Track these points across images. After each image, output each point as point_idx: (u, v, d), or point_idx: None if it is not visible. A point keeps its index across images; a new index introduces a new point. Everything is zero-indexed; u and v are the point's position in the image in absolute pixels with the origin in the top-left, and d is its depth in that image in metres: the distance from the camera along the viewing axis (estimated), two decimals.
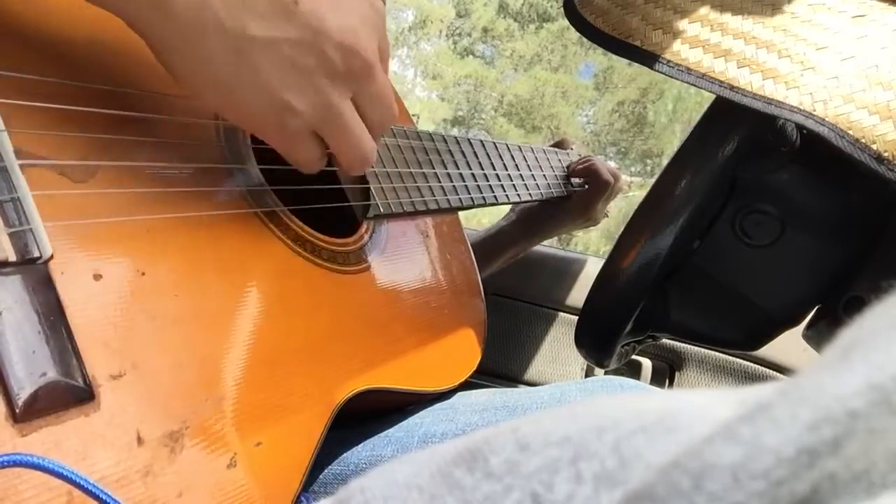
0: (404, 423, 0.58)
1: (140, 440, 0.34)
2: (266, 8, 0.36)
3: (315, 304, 0.48)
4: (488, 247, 0.93)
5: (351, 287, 0.52)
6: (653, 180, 0.56)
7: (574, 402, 0.49)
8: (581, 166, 0.94)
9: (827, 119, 0.43)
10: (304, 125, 0.40)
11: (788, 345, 0.67)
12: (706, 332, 0.63)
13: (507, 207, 0.96)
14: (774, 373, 1.05)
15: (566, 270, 1.14)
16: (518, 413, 0.56)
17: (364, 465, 0.55)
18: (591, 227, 1.02)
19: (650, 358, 1.11)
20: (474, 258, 0.71)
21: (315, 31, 0.38)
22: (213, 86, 0.37)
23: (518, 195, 0.80)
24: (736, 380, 1.08)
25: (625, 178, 0.97)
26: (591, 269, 1.12)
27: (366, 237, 0.57)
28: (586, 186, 0.94)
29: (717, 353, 1.08)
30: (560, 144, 0.99)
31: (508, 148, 0.82)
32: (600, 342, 0.59)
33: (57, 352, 0.32)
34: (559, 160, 0.94)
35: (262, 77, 0.37)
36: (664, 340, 1.01)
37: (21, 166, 0.34)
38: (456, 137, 0.73)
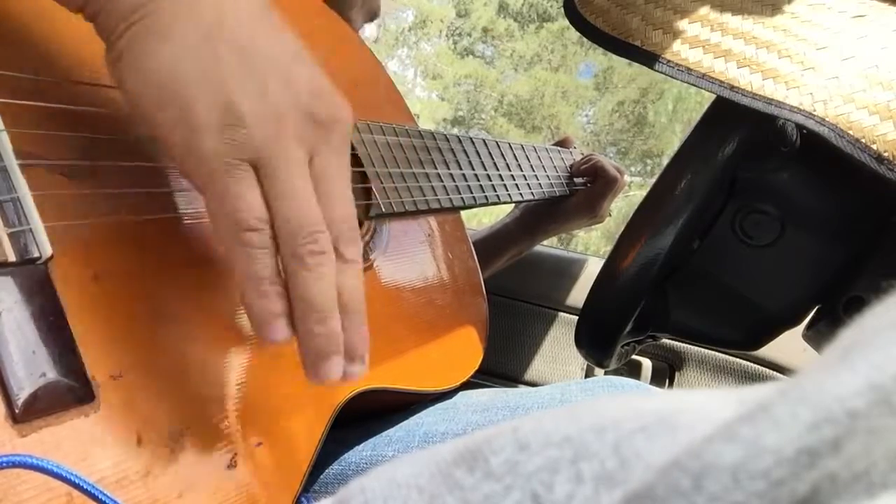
0: (405, 422, 0.58)
1: (140, 440, 0.34)
2: (250, 15, 0.34)
3: None
4: (491, 245, 0.93)
5: None
6: (653, 180, 0.56)
7: (574, 402, 0.49)
8: (585, 165, 0.93)
9: (827, 119, 0.43)
10: (246, 143, 0.32)
11: (788, 345, 0.67)
12: (706, 332, 0.63)
13: (509, 206, 0.96)
14: (774, 373, 1.05)
15: (566, 270, 1.14)
16: (518, 413, 0.56)
17: (365, 465, 0.55)
18: (593, 227, 1.02)
19: (650, 358, 1.11)
20: (476, 257, 0.71)
21: (290, 59, 0.35)
22: (164, 73, 0.32)
23: (520, 194, 0.80)
24: (736, 380, 1.08)
25: (625, 178, 0.98)
26: (591, 269, 1.12)
27: (367, 237, 0.57)
28: (589, 185, 0.94)
29: (717, 353, 1.08)
30: (562, 143, 0.99)
31: (511, 147, 0.82)
32: (600, 342, 0.59)
33: (57, 352, 0.32)
34: (562, 159, 0.94)
35: (219, 73, 0.32)
36: (664, 340, 1.01)
37: (21, 166, 0.34)
38: (458, 136, 0.73)
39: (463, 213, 0.73)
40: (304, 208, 0.33)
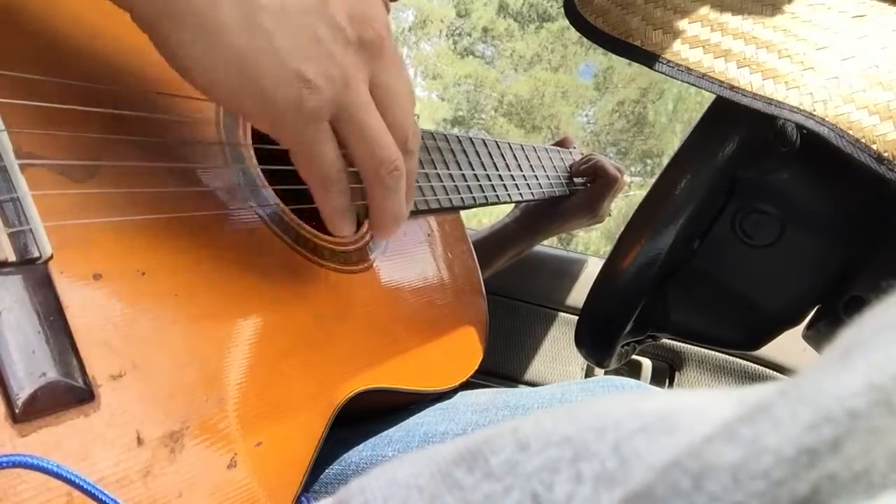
0: (405, 422, 0.58)
1: (140, 440, 0.34)
2: None
3: (315, 304, 0.48)
4: (491, 245, 0.93)
5: (352, 286, 0.52)
6: (653, 180, 0.56)
7: (574, 402, 0.49)
8: (585, 165, 0.93)
9: (827, 119, 0.43)
10: (323, 103, 0.36)
11: (788, 345, 0.67)
12: (706, 332, 0.63)
13: (509, 206, 0.96)
14: (774, 373, 1.06)
15: (566, 270, 1.14)
16: (518, 413, 0.56)
17: (365, 465, 0.55)
18: (593, 227, 1.02)
19: (650, 358, 1.11)
20: (476, 257, 0.71)
21: (327, 2, 0.36)
22: (223, 60, 0.34)
23: (520, 194, 0.80)
24: (736, 380, 1.08)
25: (625, 178, 0.97)
26: (591, 269, 1.12)
27: (367, 236, 0.57)
28: (589, 185, 0.94)
29: (717, 353, 1.08)
30: (562, 143, 0.99)
31: (510, 147, 0.82)
32: (600, 342, 0.59)
33: (57, 352, 0.32)
34: (561, 159, 0.94)
35: (275, 45, 0.35)
36: (664, 340, 1.01)
37: (21, 166, 0.34)
38: (458, 136, 0.73)
39: (463, 212, 0.73)
40: (381, 145, 0.39)
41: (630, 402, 0.16)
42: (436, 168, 0.66)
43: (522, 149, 0.85)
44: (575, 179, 0.94)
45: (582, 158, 0.95)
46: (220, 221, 0.43)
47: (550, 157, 0.90)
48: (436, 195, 0.65)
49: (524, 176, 0.82)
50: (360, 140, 0.38)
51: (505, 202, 0.78)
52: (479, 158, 0.74)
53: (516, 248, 0.95)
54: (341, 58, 0.36)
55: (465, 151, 0.72)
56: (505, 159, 0.79)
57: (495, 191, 0.75)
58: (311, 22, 0.36)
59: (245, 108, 0.37)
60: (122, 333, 0.35)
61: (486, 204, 0.74)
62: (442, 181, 0.66)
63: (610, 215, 0.99)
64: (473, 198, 0.70)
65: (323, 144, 0.37)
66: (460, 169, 0.70)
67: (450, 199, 0.66)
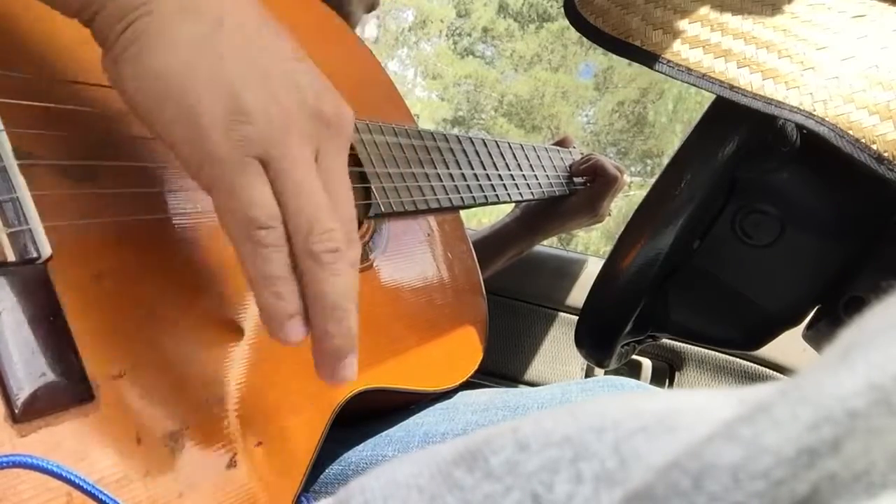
0: (405, 422, 0.58)
1: (140, 440, 0.34)
2: (251, 18, 0.34)
3: None
4: (491, 245, 0.93)
5: None
6: (653, 180, 0.56)
7: (574, 402, 0.49)
8: (585, 165, 0.93)
9: (827, 119, 0.43)
10: (255, 136, 0.31)
11: (788, 345, 0.67)
12: (706, 332, 0.63)
13: (509, 206, 0.96)
14: (774, 373, 1.06)
15: (566, 270, 1.14)
16: (518, 413, 0.56)
17: (365, 465, 0.55)
18: (593, 227, 1.02)
19: (650, 358, 1.11)
20: (475, 257, 0.71)
21: (292, 62, 0.34)
22: (166, 72, 0.31)
23: (520, 194, 0.80)
24: (736, 380, 1.08)
25: (625, 177, 0.97)
26: (591, 269, 1.12)
27: (367, 236, 0.57)
28: (589, 185, 0.94)
29: (717, 353, 1.08)
30: (562, 143, 0.99)
31: (510, 146, 0.82)
32: (600, 342, 0.59)
33: (56, 352, 0.32)
34: (561, 158, 0.94)
35: (223, 70, 0.32)
36: (664, 340, 1.01)
37: (20, 166, 0.34)
38: (457, 136, 0.73)
39: (463, 212, 0.73)
40: (317, 204, 0.32)
41: (630, 402, 0.16)
42: (435, 168, 0.66)
43: (522, 148, 0.85)
44: (575, 179, 0.94)
45: (582, 158, 0.95)
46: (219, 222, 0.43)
47: (550, 157, 0.90)
48: (435, 195, 0.65)
49: (524, 175, 0.82)
50: (292, 196, 0.32)
51: (505, 202, 0.78)
52: (479, 158, 0.74)
53: (516, 248, 0.95)
54: (291, 109, 0.33)
55: (464, 151, 0.72)
56: (505, 159, 0.79)
57: (495, 191, 0.75)
58: (272, 67, 0.33)
59: (168, 128, 0.32)
60: (122, 333, 0.35)
61: (486, 204, 0.74)
62: (441, 181, 0.66)
63: (610, 215, 0.99)
64: (473, 197, 0.70)
65: (250, 180, 0.31)
66: (460, 168, 0.70)
67: (450, 199, 0.66)
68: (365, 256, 0.55)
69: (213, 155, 0.31)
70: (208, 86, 0.31)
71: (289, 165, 0.32)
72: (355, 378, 0.35)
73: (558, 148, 0.95)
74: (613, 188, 0.92)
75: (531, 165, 0.85)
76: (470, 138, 0.75)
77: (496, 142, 0.79)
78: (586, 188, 0.93)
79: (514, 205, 0.96)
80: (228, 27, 0.33)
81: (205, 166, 0.32)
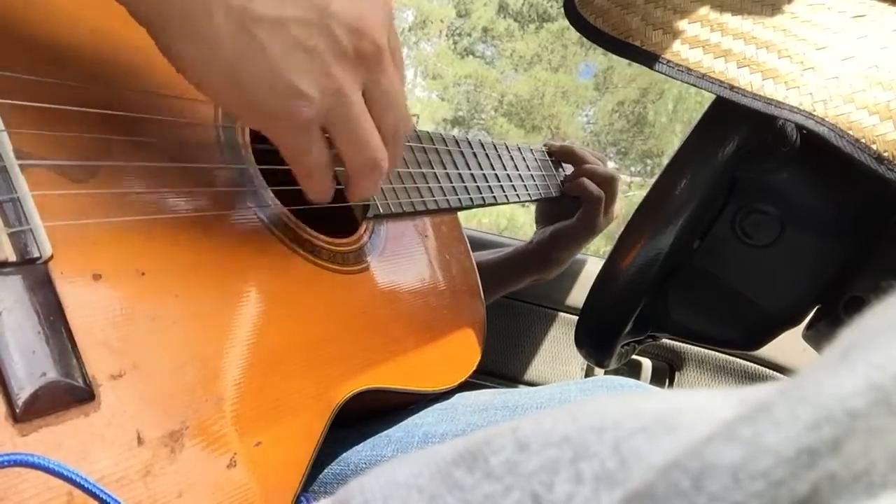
0: (404, 423, 0.58)
1: (140, 440, 0.34)
2: None
3: (314, 304, 0.48)
4: (511, 267, 0.91)
5: (350, 287, 0.52)
6: (653, 180, 0.56)
7: (574, 402, 0.49)
8: (570, 184, 0.91)
9: (827, 119, 0.43)
10: (315, 113, 0.37)
11: (788, 345, 0.67)
12: (706, 332, 0.63)
13: (508, 206, 0.95)
14: (774, 373, 1.05)
15: (566, 270, 1.14)
16: (518, 413, 0.56)
17: (364, 465, 0.55)
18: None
19: (650, 358, 1.11)
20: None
21: (321, 10, 0.36)
22: (218, 69, 0.35)
23: (517, 195, 0.80)
24: (736, 380, 1.08)
25: (624, 178, 0.96)
26: (591, 269, 1.12)
27: (365, 237, 0.57)
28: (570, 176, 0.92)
29: (717, 353, 1.08)
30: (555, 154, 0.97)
31: (507, 148, 0.82)
32: (600, 342, 0.59)
33: (57, 352, 0.32)
34: (558, 160, 0.93)
35: (269, 57, 0.35)
36: (664, 340, 1.01)
37: (21, 166, 0.34)
38: (455, 138, 0.73)
39: (461, 213, 0.73)
40: (370, 148, 0.40)
41: (630, 402, 0.16)
42: (433, 169, 0.66)
43: (519, 150, 0.85)
44: (561, 180, 0.91)
45: (571, 173, 0.92)
46: (219, 222, 0.43)
47: (535, 158, 0.89)
48: (433, 196, 0.65)
49: (521, 176, 0.82)
50: (348, 145, 0.40)
51: (502, 203, 0.78)
52: (477, 160, 0.74)
53: (534, 276, 0.93)
54: (335, 70, 0.37)
55: (462, 153, 0.72)
56: (502, 160, 0.79)
57: (493, 192, 0.75)
58: (307, 34, 0.36)
59: (240, 114, 0.39)
60: (122, 333, 0.35)
61: (484, 205, 0.74)
62: (440, 182, 0.66)
63: (616, 217, 0.97)
64: (471, 199, 0.70)
65: (311, 147, 0.39)
66: (458, 170, 0.70)
67: (447, 201, 0.66)
68: (362, 258, 0.55)
69: (279, 133, 0.38)
70: (261, 84, 0.36)
71: (343, 123, 0.39)
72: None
73: (534, 147, 0.93)
74: (600, 206, 0.88)
75: (528, 166, 0.85)
76: (468, 140, 0.75)
77: (493, 144, 0.79)
78: (580, 212, 0.90)
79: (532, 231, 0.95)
80: (255, 5, 0.35)
81: (273, 136, 0.39)
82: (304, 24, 0.36)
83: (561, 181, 0.91)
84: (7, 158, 0.33)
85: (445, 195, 0.66)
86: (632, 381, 0.63)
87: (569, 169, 0.94)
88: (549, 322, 1.14)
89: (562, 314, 1.13)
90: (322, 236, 0.51)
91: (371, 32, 0.38)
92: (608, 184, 0.89)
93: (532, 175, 0.85)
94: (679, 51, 0.47)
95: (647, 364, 1.11)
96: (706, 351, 1.09)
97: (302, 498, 0.42)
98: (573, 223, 0.89)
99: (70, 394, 0.32)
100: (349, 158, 0.41)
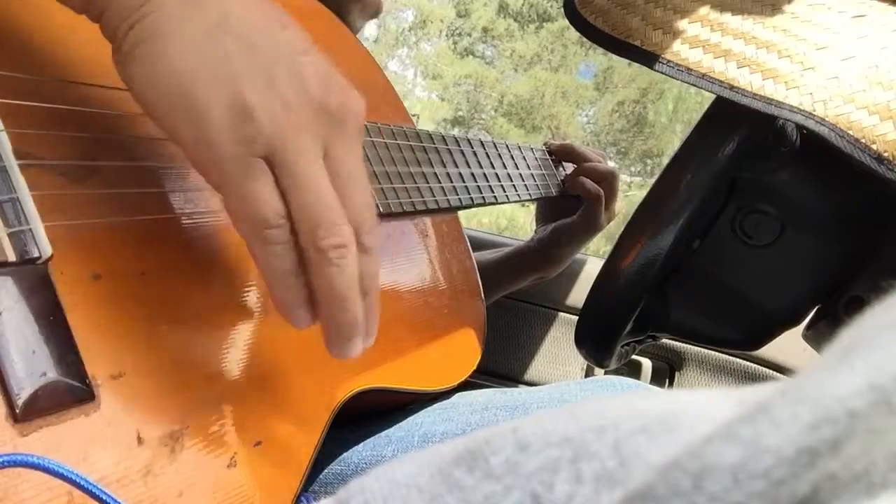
0: (404, 422, 0.58)
1: (140, 440, 0.34)
2: (255, 11, 0.34)
3: None
4: (513, 265, 0.92)
5: None
6: (653, 180, 0.56)
7: (574, 402, 0.49)
8: (570, 183, 0.91)
9: (827, 119, 0.43)
10: (260, 135, 0.32)
11: (788, 345, 0.67)
12: (706, 332, 0.63)
13: (507, 207, 0.95)
14: (774, 373, 1.05)
15: (566, 270, 1.14)
16: (518, 413, 0.56)
17: (364, 465, 0.55)
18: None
19: (650, 358, 1.11)
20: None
21: (297, 53, 0.34)
22: (172, 71, 0.32)
23: (518, 195, 0.80)
24: (736, 380, 1.08)
25: (624, 178, 0.95)
26: (591, 269, 1.12)
27: None
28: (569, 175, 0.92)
29: (717, 353, 1.08)
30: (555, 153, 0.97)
31: (507, 147, 0.82)
32: (600, 342, 0.59)
33: (57, 352, 0.32)
34: (559, 159, 0.93)
35: (228, 69, 0.32)
36: (664, 340, 1.01)
37: (20, 166, 0.34)
38: (455, 137, 0.73)
39: (462, 212, 0.73)
40: (322, 200, 0.33)
41: (630, 402, 0.16)
42: (433, 168, 0.66)
43: (519, 149, 0.85)
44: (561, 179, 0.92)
45: (571, 172, 0.92)
46: (219, 222, 0.43)
47: (535, 157, 0.89)
48: (434, 196, 0.65)
49: (521, 175, 0.82)
50: (298, 193, 0.33)
51: (503, 202, 0.78)
52: (477, 159, 0.74)
53: (536, 274, 0.93)
54: (295, 107, 0.33)
55: (462, 152, 0.72)
56: (502, 160, 0.79)
57: (493, 192, 0.75)
58: (275, 65, 0.33)
59: (176, 126, 0.33)
60: (122, 333, 0.35)
61: (485, 204, 0.74)
62: (440, 182, 0.66)
63: (617, 215, 0.97)
64: (472, 198, 0.70)
65: (257, 180, 0.32)
66: (458, 169, 0.70)
67: (448, 200, 0.66)
68: None
69: (219, 155, 0.32)
70: (213, 88, 0.32)
71: (293, 162, 0.33)
72: (358, 355, 0.37)
73: (534, 146, 0.93)
74: (600, 204, 0.88)
75: (528, 165, 0.85)
76: (468, 139, 0.75)
77: (493, 143, 0.79)
78: (581, 210, 0.90)
79: (532, 228, 0.95)
80: (233, 21, 0.33)
81: (212, 166, 0.33)
82: (274, 57, 0.33)
83: (561, 180, 0.91)
84: (7, 158, 0.33)
85: (446, 194, 0.66)
86: (632, 381, 0.63)
87: (569, 168, 0.94)
88: (549, 322, 1.14)
89: (562, 314, 1.13)
90: None
91: (342, 95, 0.34)
92: (608, 181, 0.90)
93: (532, 174, 0.85)
94: (679, 51, 0.47)
95: (647, 364, 1.11)
96: (706, 351, 1.09)
97: (302, 498, 0.42)
98: (574, 221, 0.90)
99: (70, 394, 0.32)
100: (298, 216, 0.33)
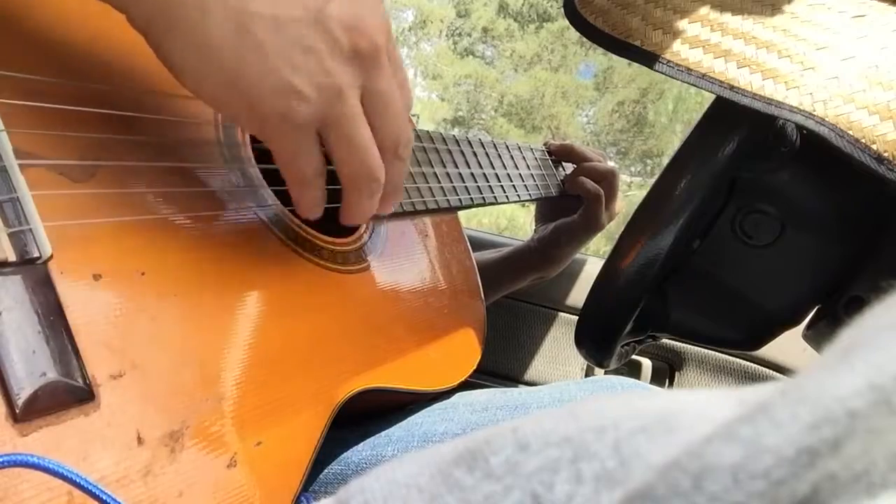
0: (404, 422, 0.58)
1: (140, 440, 0.34)
2: None
3: (315, 304, 0.48)
4: (512, 265, 0.92)
5: (351, 287, 0.52)
6: (653, 180, 0.56)
7: (574, 401, 0.49)
8: (570, 183, 0.91)
9: (827, 119, 0.43)
10: (311, 114, 0.36)
11: (788, 345, 0.67)
12: (706, 332, 0.63)
13: (507, 206, 0.95)
14: (774, 373, 1.05)
15: (566, 270, 1.14)
16: (518, 413, 0.56)
17: (364, 465, 0.55)
18: None
19: (650, 358, 1.11)
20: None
21: (318, 10, 0.36)
22: (215, 69, 0.35)
23: (518, 195, 0.80)
24: (736, 380, 1.08)
25: (624, 178, 0.96)
26: (591, 269, 1.12)
27: (365, 237, 0.57)
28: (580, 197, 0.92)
29: (717, 353, 1.08)
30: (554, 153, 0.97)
31: (507, 147, 0.82)
32: (600, 342, 0.59)
33: (57, 352, 0.32)
34: (550, 161, 0.93)
35: (266, 56, 0.35)
36: (664, 340, 1.01)
37: (21, 166, 0.34)
38: (455, 137, 0.73)
39: (461, 213, 0.73)
40: (366, 158, 0.39)
41: (630, 402, 0.16)
42: (434, 168, 0.66)
43: (519, 149, 0.85)
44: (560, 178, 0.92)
45: (571, 172, 0.92)
46: (219, 222, 0.43)
47: (535, 157, 0.89)
48: (434, 196, 0.65)
49: (521, 176, 0.82)
50: (343, 151, 0.39)
51: (503, 203, 0.78)
52: (477, 159, 0.74)
53: (536, 274, 0.93)
54: (333, 69, 0.36)
55: (462, 152, 0.72)
56: (502, 160, 0.79)
57: (493, 192, 0.75)
58: (303, 33, 0.36)
59: (235, 115, 0.37)
60: (122, 333, 0.35)
61: (485, 204, 0.74)
62: (440, 181, 0.66)
63: (617, 214, 0.97)
64: (472, 199, 0.70)
65: (306, 151, 0.38)
66: (458, 169, 0.70)
67: (448, 200, 0.66)
68: (363, 257, 0.55)
69: (275, 134, 0.37)
70: (257, 80, 0.35)
71: (338, 128, 0.38)
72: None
73: (535, 146, 0.93)
74: (601, 203, 0.88)
75: (528, 165, 0.85)
76: (468, 139, 0.75)
77: (493, 143, 0.79)
78: (581, 210, 0.90)
79: (532, 230, 0.95)
80: (256, 9, 0.35)
81: (267, 138, 0.38)
82: (301, 22, 0.36)
83: (561, 180, 0.91)
84: (7, 158, 0.33)
85: (446, 195, 0.66)
86: (632, 381, 0.63)
87: (569, 168, 0.94)
88: (549, 322, 1.14)
89: (562, 314, 1.13)
90: (322, 236, 0.51)
91: (369, 32, 0.37)
92: (608, 180, 0.90)
93: (532, 174, 0.85)
94: (679, 51, 0.47)
95: (647, 364, 1.11)
96: (706, 351, 1.09)
97: (302, 498, 0.42)
98: (575, 220, 0.90)
99: (70, 394, 0.32)
100: (344, 164, 0.39)
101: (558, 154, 0.93)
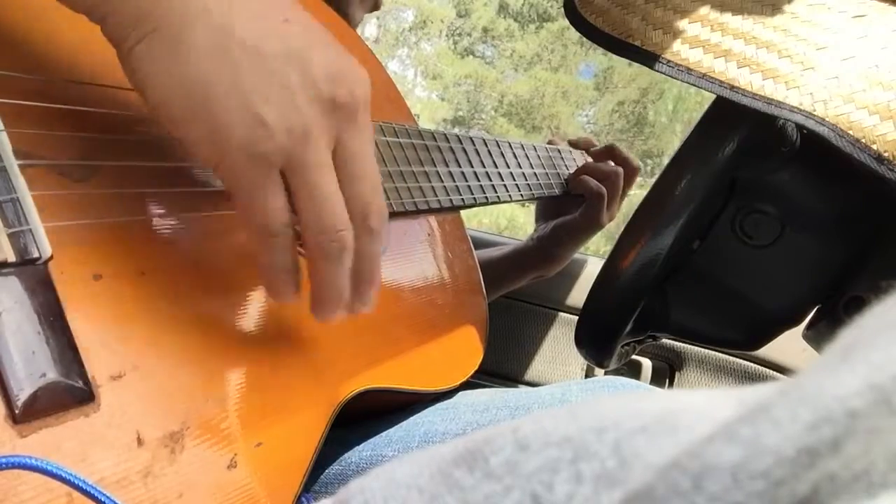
0: (405, 422, 0.58)
1: (140, 441, 0.34)
2: (257, 12, 0.35)
3: None
4: (513, 263, 0.92)
5: None
6: (653, 180, 0.56)
7: (574, 402, 0.49)
8: (573, 182, 0.91)
9: (827, 119, 0.43)
10: (275, 150, 0.33)
11: (788, 345, 0.67)
12: (706, 332, 0.63)
13: (506, 206, 0.95)
14: (774, 373, 1.05)
15: (566, 270, 1.14)
16: (518, 413, 0.56)
17: (365, 465, 0.55)
18: None
19: (650, 358, 1.11)
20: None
21: (302, 51, 0.35)
22: (182, 83, 0.33)
23: (521, 195, 0.80)
24: (736, 380, 1.08)
25: (618, 174, 0.95)
26: (591, 269, 1.12)
27: None
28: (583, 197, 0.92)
29: (717, 353, 1.08)
30: (575, 145, 0.98)
31: (510, 145, 0.82)
32: (600, 342, 0.59)
33: (57, 352, 0.32)
34: (561, 158, 0.93)
35: (240, 80, 0.33)
36: (664, 340, 1.01)
37: (20, 166, 0.34)
38: (457, 135, 0.73)
39: (463, 212, 0.73)
40: (330, 210, 0.36)
41: (630, 402, 0.16)
42: (436, 167, 0.66)
43: (522, 147, 0.85)
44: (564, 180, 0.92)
45: (575, 171, 0.93)
46: (219, 221, 0.43)
47: (550, 156, 0.90)
48: (436, 195, 0.65)
49: (524, 174, 0.82)
50: (306, 200, 0.35)
51: (505, 201, 0.78)
52: (480, 158, 0.74)
53: (536, 272, 0.93)
54: (306, 110, 0.34)
55: (465, 151, 0.72)
56: (505, 158, 0.79)
57: (496, 191, 0.75)
58: (283, 69, 0.34)
59: (192, 137, 0.34)
60: (122, 333, 0.35)
61: (487, 203, 0.74)
62: (442, 181, 0.66)
63: (619, 213, 0.97)
64: (474, 198, 0.70)
65: (268, 192, 0.34)
66: (460, 168, 0.70)
67: (450, 199, 0.66)
68: None
69: (234, 166, 0.34)
70: (226, 103, 0.33)
71: (306, 173, 0.35)
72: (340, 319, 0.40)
73: (558, 147, 0.94)
74: (602, 203, 0.88)
75: (531, 164, 0.84)
76: (470, 137, 0.75)
77: (496, 141, 0.79)
78: (584, 209, 0.90)
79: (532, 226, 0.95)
80: (238, 28, 0.34)
81: (225, 172, 0.35)
82: (282, 59, 0.34)
83: (564, 179, 0.91)
84: (6, 158, 0.33)
85: (448, 194, 0.66)
86: (632, 381, 0.63)
87: (570, 167, 0.94)
88: (549, 322, 1.14)
89: (562, 314, 1.13)
90: None
91: (349, 84, 0.36)
92: (611, 180, 0.90)
93: (535, 173, 0.84)
94: (679, 51, 0.47)
95: (647, 364, 1.11)
96: (706, 351, 1.09)
97: (303, 498, 0.42)
98: (575, 218, 0.90)
99: (70, 394, 0.32)
100: (305, 221, 0.36)
101: (597, 157, 0.94)
